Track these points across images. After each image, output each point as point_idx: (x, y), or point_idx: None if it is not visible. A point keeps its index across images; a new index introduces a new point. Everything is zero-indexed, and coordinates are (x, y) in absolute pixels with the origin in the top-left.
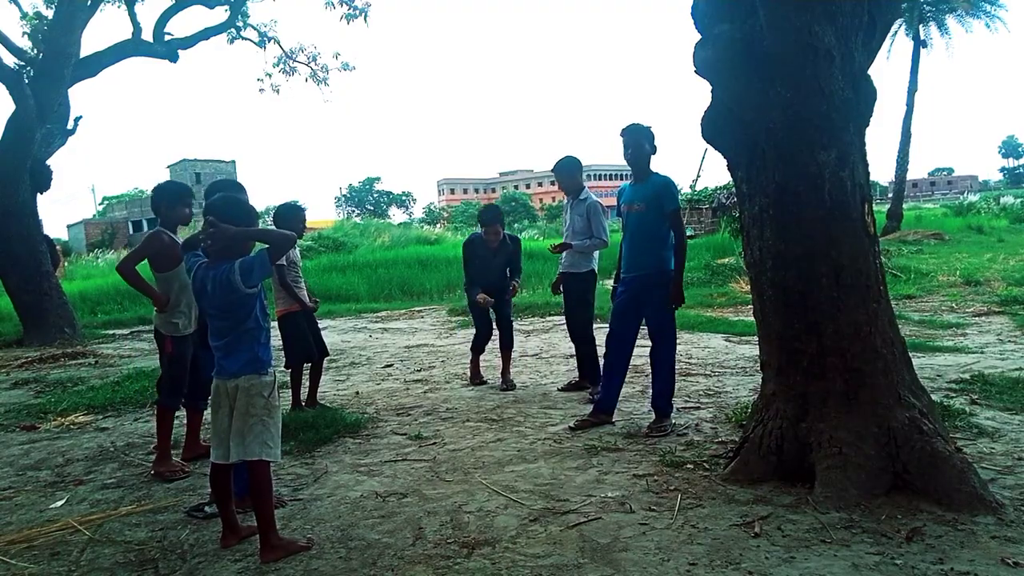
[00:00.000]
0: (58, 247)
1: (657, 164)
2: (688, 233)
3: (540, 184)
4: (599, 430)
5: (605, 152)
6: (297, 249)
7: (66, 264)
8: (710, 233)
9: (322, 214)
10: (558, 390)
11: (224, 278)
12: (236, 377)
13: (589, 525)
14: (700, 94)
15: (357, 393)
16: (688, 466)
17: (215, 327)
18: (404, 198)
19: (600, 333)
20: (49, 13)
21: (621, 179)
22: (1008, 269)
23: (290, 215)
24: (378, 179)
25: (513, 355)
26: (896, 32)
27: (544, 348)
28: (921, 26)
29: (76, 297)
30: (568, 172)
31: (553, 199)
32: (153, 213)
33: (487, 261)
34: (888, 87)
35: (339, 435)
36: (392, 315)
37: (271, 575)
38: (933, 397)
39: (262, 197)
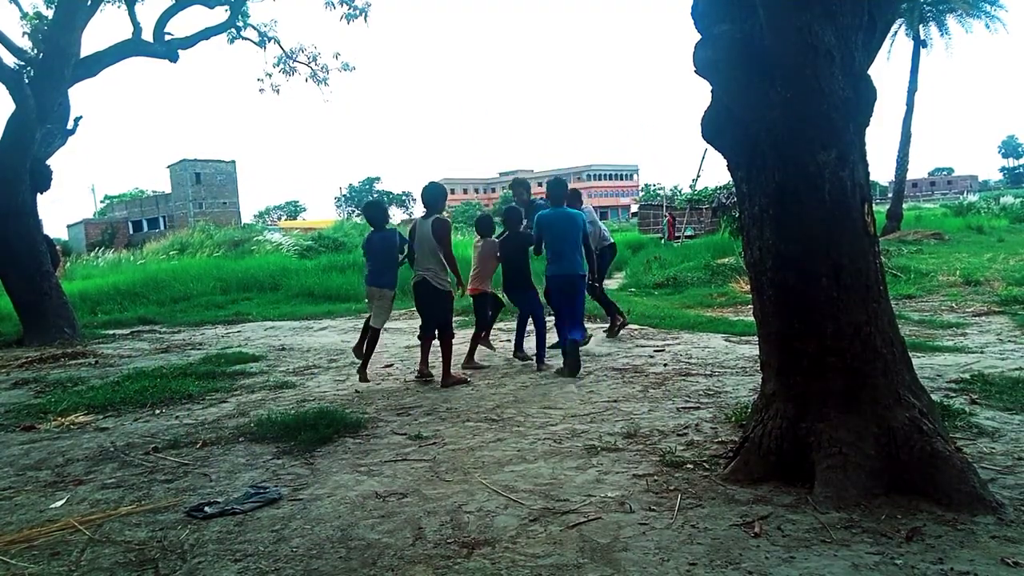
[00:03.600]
0: (58, 247)
1: (657, 164)
2: (688, 233)
3: (540, 184)
4: (599, 430)
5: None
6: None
7: (66, 264)
8: (710, 233)
9: (322, 214)
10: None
11: (389, 242)
12: (381, 288)
13: (589, 525)
14: (700, 94)
15: (357, 393)
16: (688, 466)
17: (374, 263)
18: (404, 198)
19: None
20: (49, 13)
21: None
22: (1008, 269)
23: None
24: (378, 179)
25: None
26: (896, 32)
27: None
28: (921, 26)
29: (76, 297)
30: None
31: None
32: (425, 206)
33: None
34: (888, 87)
35: (339, 435)
36: (392, 315)
37: (271, 575)
38: (933, 397)
39: (262, 197)
